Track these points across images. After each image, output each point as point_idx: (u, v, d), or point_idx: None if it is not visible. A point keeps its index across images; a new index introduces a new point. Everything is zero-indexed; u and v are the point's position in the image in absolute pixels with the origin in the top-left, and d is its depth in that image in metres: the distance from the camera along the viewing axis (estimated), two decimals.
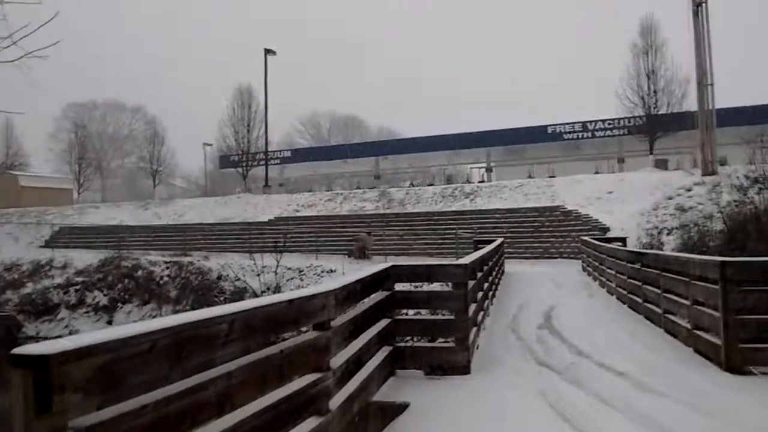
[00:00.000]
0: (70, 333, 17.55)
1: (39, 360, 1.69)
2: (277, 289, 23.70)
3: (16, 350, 1.72)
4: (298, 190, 49.65)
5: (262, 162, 47.00)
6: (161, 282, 25.43)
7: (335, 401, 4.00)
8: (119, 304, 24.74)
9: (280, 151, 57.52)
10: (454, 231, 27.83)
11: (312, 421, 3.58)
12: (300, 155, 56.36)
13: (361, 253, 27.37)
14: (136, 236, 36.82)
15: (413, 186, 42.67)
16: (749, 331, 5.90)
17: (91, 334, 1.94)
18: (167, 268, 26.43)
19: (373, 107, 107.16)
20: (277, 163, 53.42)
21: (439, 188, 37.40)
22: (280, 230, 31.87)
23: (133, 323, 2.28)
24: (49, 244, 37.21)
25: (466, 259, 6.87)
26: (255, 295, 21.85)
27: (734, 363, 5.81)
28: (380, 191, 39.18)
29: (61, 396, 1.72)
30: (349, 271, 25.97)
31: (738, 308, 5.81)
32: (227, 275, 25.25)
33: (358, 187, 45.94)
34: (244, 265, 24.97)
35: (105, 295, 25.19)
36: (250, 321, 2.84)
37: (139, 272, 26.09)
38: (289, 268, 27.21)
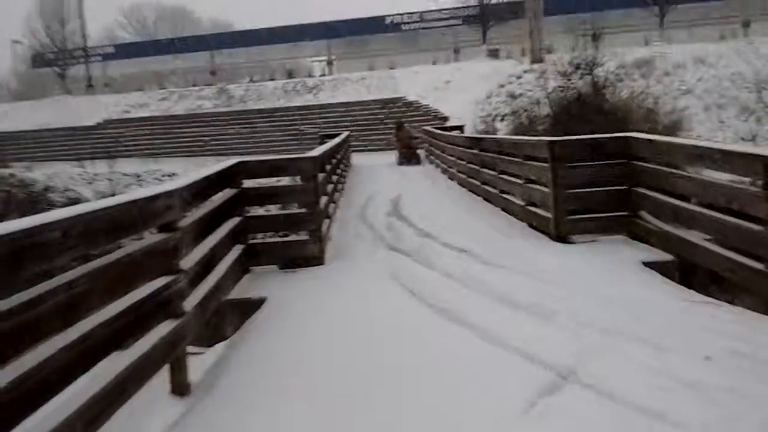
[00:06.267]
0: None
1: None
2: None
3: None
4: (126, 89, 45.73)
5: (82, 59, 42.58)
6: None
7: (190, 302, 3.91)
8: None
9: (101, 46, 52.06)
10: (298, 127, 27.51)
11: (167, 324, 3.49)
12: (125, 51, 51.41)
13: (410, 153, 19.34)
14: None
15: (253, 82, 40.95)
16: (574, 204, 6.51)
17: None
18: None
19: None
20: (99, 60, 48.58)
21: (281, 83, 36.36)
22: (111, 134, 29.68)
23: None
24: None
25: (315, 152, 6.82)
26: None
27: (562, 233, 6.43)
28: (218, 88, 37.33)
29: None
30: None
31: (565, 184, 6.35)
32: (55, 186, 23.25)
33: (194, 85, 43.25)
34: (74, 174, 23.14)
35: None
36: (89, 225, 2.62)
37: None
38: (126, 174, 25.63)
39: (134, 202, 3.11)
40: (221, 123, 30.83)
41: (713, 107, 22.87)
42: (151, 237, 3.43)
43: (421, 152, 19.61)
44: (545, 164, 6.55)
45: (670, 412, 2.78)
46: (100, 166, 21.98)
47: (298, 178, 6.46)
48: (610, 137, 6.54)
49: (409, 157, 19.02)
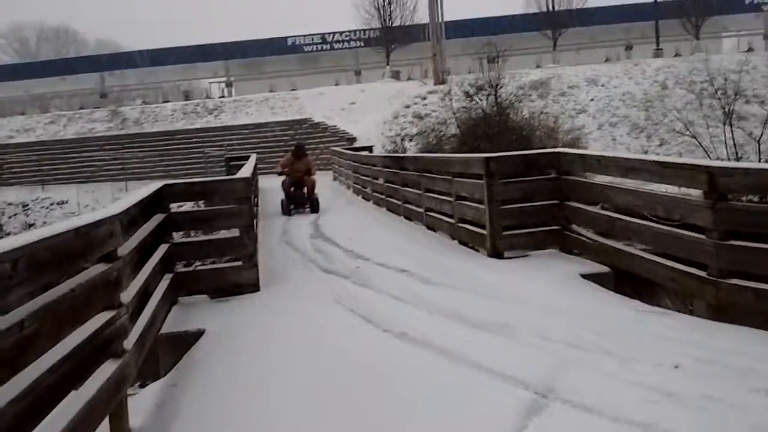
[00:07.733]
0: None
1: None
2: None
3: None
4: (6, 114, 42.55)
5: None
6: None
7: (130, 339, 3.54)
8: None
9: None
10: (200, 150, 26.62)
11: (109, 366, 3.13)
12: (5, 73, 48.12)
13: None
14: None
15: (147, 104, 39.24)
16: (509, 220, 6.54)
17: None
18: None
19: (89, 18, 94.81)
20: None
21: (179, 105, 35.11)
22: None
23: None
24: None
25: (246, 172, 6.50)
26: None
27: (498, 250, 6.42)
28: (111, 110, 35.50)
29: None
30: (88, 202, 23.43)
31: (500, 199, 6.37)
32: None
33: (82, 108, 40.86)
34: None
35: None
36: (37, 257, 2.27)
37: None
38: (10, 204, 23.84)
39: (78, 230, 2.75)
40: (115, 147, 29.28)
41: (606, 125, 24.29)
42: (93, 268, 3.05)
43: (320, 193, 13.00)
44: (479, 180, 6.55)
45: (660, 423, 2.76)
46: None
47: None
48: (542, 152, 6.66)
49: (301, 201, 12.36)
